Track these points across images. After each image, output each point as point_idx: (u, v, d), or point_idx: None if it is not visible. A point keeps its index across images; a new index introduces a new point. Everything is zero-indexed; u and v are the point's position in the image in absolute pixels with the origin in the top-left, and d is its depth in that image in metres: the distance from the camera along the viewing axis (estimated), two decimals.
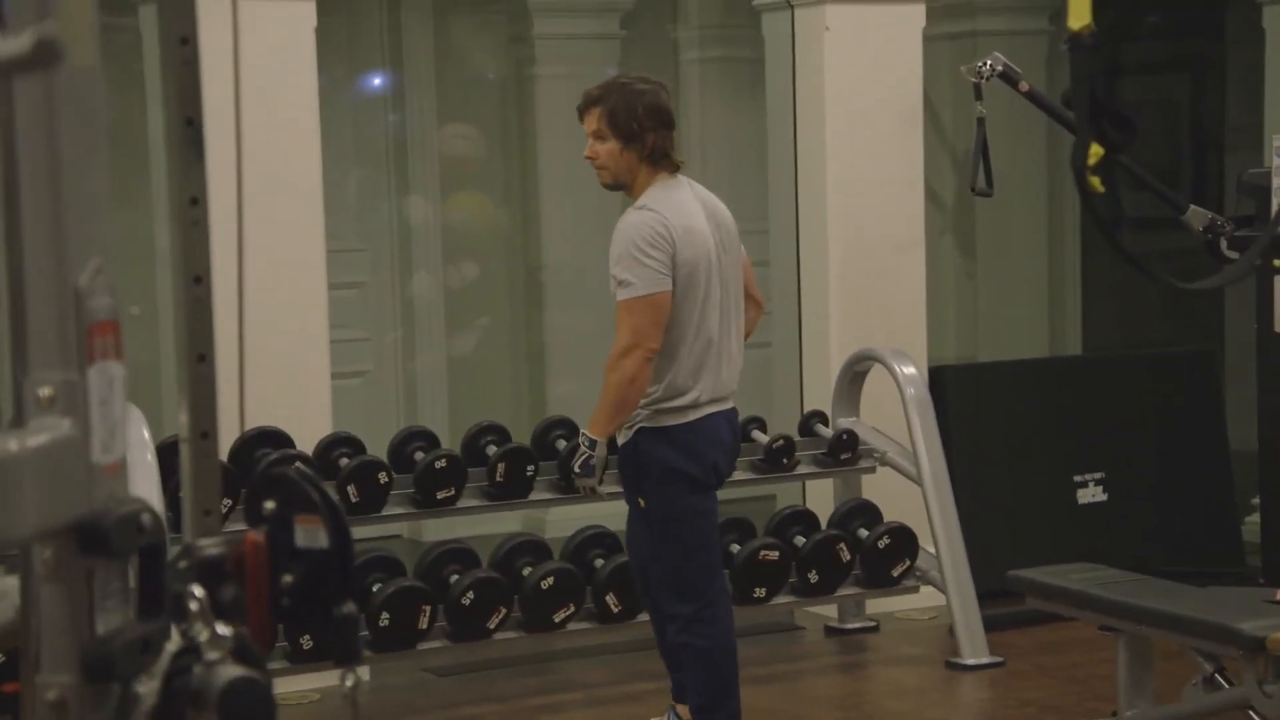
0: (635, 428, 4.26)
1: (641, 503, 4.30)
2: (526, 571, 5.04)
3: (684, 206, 4.25)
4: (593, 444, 4.24)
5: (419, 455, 5.17)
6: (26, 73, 1.18)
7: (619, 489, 4.49)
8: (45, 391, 1.34)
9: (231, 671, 1.43)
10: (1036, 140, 7.82)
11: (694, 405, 4.25)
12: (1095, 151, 2.34)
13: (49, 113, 1.32)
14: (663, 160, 4.26)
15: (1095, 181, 2.35)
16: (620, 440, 4.31)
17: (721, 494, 6.80)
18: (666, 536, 4.31)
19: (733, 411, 4.39)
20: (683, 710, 4.52)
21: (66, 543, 1.34)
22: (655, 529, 4.32)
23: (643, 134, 4.21)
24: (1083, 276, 8.17)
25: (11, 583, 1.60)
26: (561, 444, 5.29)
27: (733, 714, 4.36)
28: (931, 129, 6.92)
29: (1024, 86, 5.93)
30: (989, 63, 5.91)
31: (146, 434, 4.31)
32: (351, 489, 4.91)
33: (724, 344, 4.31)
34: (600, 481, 4.32)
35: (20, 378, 1.36)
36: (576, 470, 4.32)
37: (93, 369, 1.37)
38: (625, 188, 4.31)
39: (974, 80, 5.96)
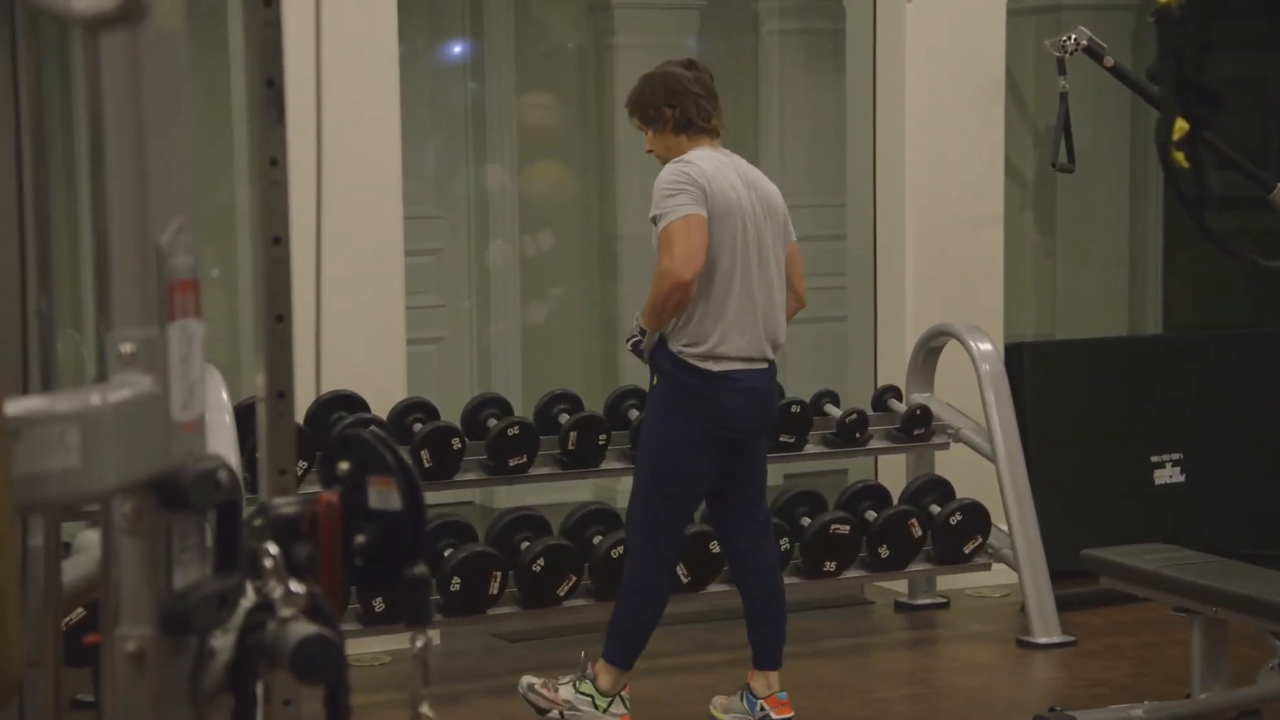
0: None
1: (654, 380, 4.43)
2: (597, 540, 5.06)
3: (715, 163, 4.39)
4: (642, 331, 4.42)
5: (492, 422, 5.20)
6: (113, 29, 1.19)
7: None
8: (127, 348, 1.36)
9: (305, 629, 1.44)
10: (1120, 116, 7.73)
11: (714, 356, 4.34)
12: (1180, 127, 2.31)
13: (134, 73, 1.33)
14: (690, 126, 4.42)
15: (1180, 157, 2.32)
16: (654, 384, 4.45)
17: (793, 467, 6.82)
18: (657, 472, 4.41)
19: (765, 373, 4.43)
20: (759, 682, 4.53)
21: (146, 497, 1.36)
22: (654, 464, 4.42)
23: (659, 111, 4.42)
24: (1164, 254, 8.07)
25: (93, 536, 1.63)
26: (634, 414, 5.30)
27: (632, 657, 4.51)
28: (1013, 104, 6.85)
29: (1109, 61, 5.85)
30: (1073, 37, 5.84)
31: (225, 395, 4.36)
32: (425, 454, 4.94)
33: (757, 303, 4.39)
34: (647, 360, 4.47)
35: (103, 334, 1.38)
36: (628, 348, 4.53)
37: (173, 326, 1.38)
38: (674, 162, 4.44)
39: (1058, 55, 5.88)
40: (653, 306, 4.33)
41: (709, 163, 4.36)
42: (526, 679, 4.60)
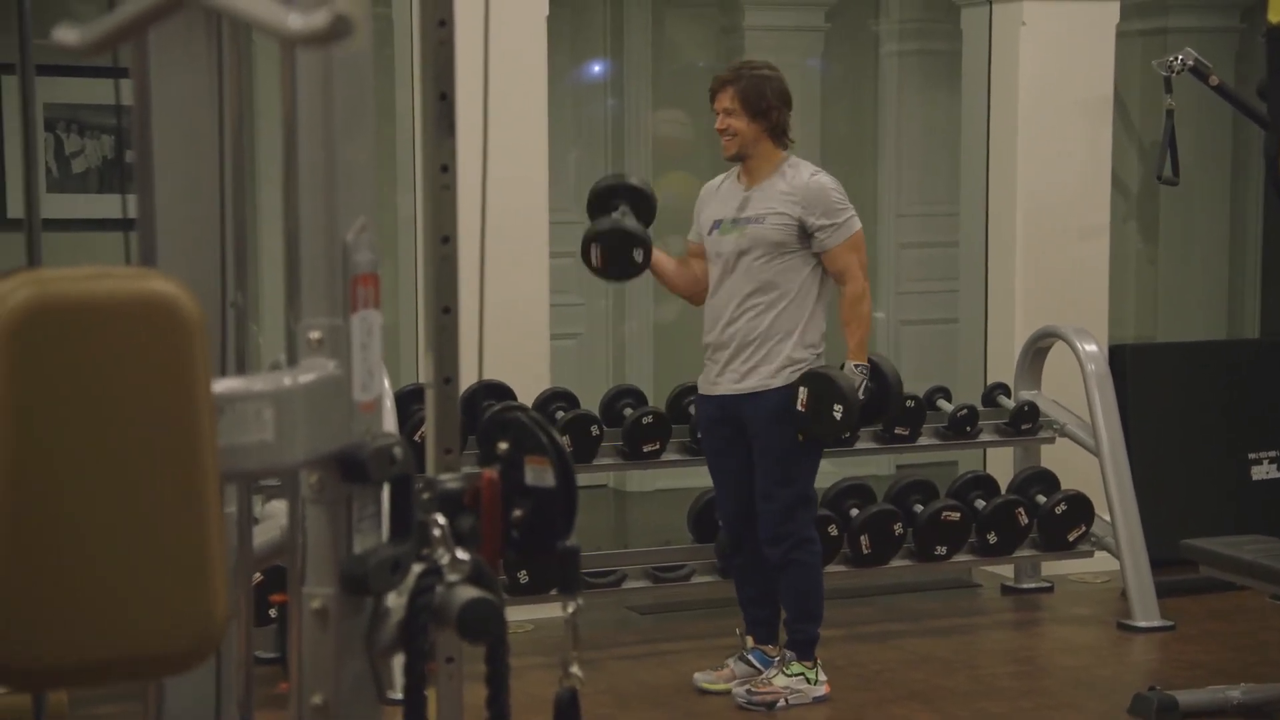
0: (805, 371, 4.38)
1: (801, 437, 4.38)
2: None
3: None
4: (865, 370, 4.46)
5: (627, 411, 5.23)
6: (319, 46, 1.22)
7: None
8: (315, 335, 1.39)
9: (469, 592, 1.47)
10: (1222, 133, 7.55)
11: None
12: None
13: (327, 87, 1.37)
14: (782, 136, 4.47)
15: None
16: (779, 383, 4.37)
17: (906, 458, 6.78)
18: (812, 461, 4.46)
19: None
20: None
21: (330, 470, 1.39)
22: (806, 458, 4.44)
23: (769, 111, 4.42)
24: (1263, 263, 7.87)
25: (279, 506, 1.67)
26: None
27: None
28: (1119, 120, 6.73)
29: (1214, 80, 5.74)
30: (1180, 57, 5.74)
31: (387, 382, 4.43)
32: (566, 439, 4.98)
33: None
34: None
35: (293, 322, 1.41)
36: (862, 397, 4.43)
37: (355, 316, 1.41)
38: (746, 158, 4.48)
39: (1165, 74, 5.78)
40: (867, 323, 4.41)
41: None
42: (736, 691, 4.52)
